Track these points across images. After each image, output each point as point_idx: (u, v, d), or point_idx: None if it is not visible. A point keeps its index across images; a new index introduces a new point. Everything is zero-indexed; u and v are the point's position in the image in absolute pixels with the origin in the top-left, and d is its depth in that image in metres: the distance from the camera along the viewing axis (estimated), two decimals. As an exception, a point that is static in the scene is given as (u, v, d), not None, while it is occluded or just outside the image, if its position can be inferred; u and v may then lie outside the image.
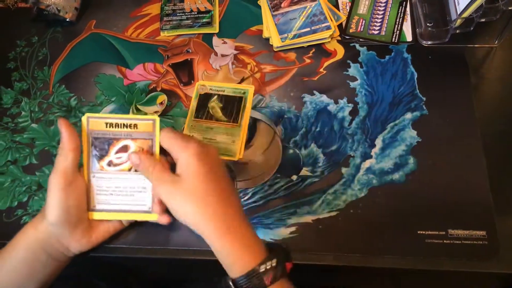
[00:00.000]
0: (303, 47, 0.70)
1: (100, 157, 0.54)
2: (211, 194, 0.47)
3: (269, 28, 0.71)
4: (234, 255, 0.46)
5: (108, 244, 0.58)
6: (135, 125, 0.52)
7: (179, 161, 0.48)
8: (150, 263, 0.61)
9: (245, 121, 0.59)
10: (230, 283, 0.46)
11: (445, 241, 0.56)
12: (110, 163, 0.54)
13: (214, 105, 0.60)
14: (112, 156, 0.54)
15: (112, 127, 0.52)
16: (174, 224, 0.59)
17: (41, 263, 0.52)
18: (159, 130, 0.51)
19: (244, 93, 0.59)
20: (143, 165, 0.51)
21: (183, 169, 0.48)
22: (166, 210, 0.55)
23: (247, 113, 0.59)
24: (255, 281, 0.45)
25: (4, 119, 0.68)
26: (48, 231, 0.52)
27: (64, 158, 0.52)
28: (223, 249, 0.46)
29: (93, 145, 0.54)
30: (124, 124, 0.52)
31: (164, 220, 0.55)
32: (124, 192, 0.55)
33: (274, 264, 0.45)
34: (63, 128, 0.52)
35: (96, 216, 0.55)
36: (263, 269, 0.45)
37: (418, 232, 0.57)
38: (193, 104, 0.61)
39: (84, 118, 0.52)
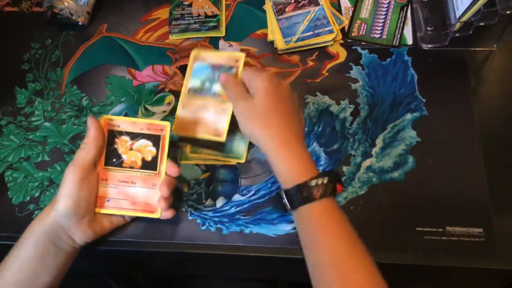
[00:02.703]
0: (306, 50, 0.72)
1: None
2: (274, 116, 0.53)
3: (273, 31, 0.73)
4: (288, 167, 0.52)
5: (115, 238, 0.60)
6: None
7: (253, 85, 0.56)
8: (157, 257, 0.63)
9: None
10: (283, 193, 0.51)
11: (443, 238, 0.57)
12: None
13: None
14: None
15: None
16: (181, 218, 0.61)
17: (51, 255, 0.54)
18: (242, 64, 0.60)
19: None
20: (228, 82, 0.58)
21: (255, 90, 0.55)
22: (169, 206, 0.57)
23: None
24: (305, 193, 0.49)
25: (18, 118, 0.70)
26: (55, 221, 0.53)
27: (87, 153, 0.55)
28: (279, 161, 0.52)
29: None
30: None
31: (168, 214, 0.57)
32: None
33: (325, 182, 0.49)
34: (93, 125, 0.55)
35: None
36: (314, 184, 0.49)
37: (417, 228, 0.58)
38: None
39: None
